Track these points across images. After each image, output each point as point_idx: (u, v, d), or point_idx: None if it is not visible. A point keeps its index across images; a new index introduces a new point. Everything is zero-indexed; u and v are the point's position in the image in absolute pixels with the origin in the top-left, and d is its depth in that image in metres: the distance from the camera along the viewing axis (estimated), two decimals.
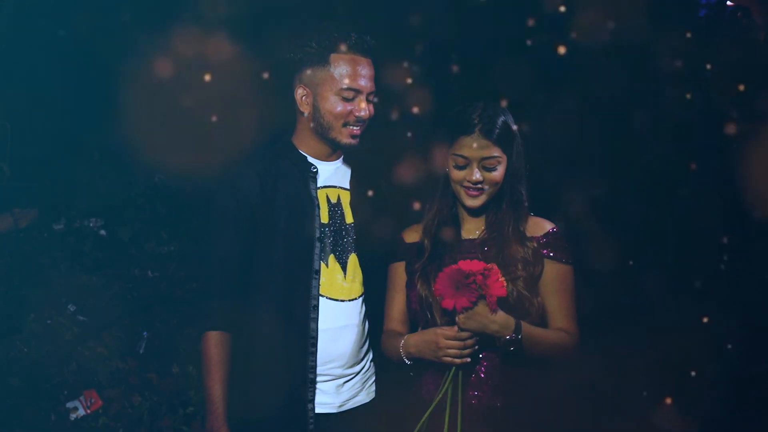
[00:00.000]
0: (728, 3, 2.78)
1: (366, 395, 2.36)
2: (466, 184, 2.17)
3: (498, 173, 2.16)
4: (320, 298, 2.25)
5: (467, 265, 1.98)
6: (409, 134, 2.72)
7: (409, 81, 2.94)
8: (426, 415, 2.10)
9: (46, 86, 3.44)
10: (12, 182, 3.52)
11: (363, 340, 2.34)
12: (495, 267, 1.99)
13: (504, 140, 2.15)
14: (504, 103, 2.28)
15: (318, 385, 2.25)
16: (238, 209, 2.22)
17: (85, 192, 3.70)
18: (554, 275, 2.17)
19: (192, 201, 3.78)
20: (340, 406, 2.28)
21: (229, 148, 3.09)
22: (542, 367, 2.17)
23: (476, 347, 2.07)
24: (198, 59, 3.11)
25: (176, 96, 3.16)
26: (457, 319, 2.05)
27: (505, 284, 2.00)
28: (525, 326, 2.08)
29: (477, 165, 2.15)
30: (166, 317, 3.69)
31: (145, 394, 3.48)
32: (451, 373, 2.09)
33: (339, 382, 2.28)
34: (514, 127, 2.19)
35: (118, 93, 3.43)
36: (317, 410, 2.25)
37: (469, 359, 2.07)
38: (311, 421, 2.23)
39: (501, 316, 2.05)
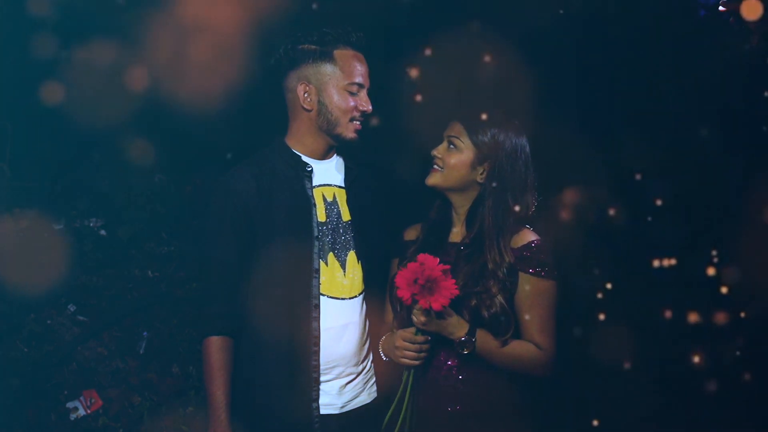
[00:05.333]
0: (720, 8, 2.79)
1: (368, 396, 2.36)
2: (432, 161, 2.26)
3: (453, 157, 2.21)
4: (321, 297, 2.25)
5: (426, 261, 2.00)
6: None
7: (411, 74, 2.94)
8: (387, 417, 2.16)
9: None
10: (12, 182, 3.52)
11: (365, 338, 2.34)
12: (439, 275, 1.99)
13: (473, 131, 2.19)
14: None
15: (321, 386, 2.25)
16: (235, 212, 2.22)
17: (85, 192, 3.69)
18: (529, 289, 2.16)
19: (192, 201, 3.78)
20: (342, 407, 2.28)
21: (230, 148, 3.12)
22: (513, 377, 2.18)
23: (428, 350, 2.13)
24: (198, 59, 3.11)
25: (176, 95, 3.16)
26: (414, 320, 2.11)
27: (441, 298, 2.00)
28: (481, 331, 2.12)
29: (445, 141, 2.25)
30: (166, 317, 3.69)
31: (145, 394, 3.47)
32: (409, 376, 2.14)
33: (342, 381, 2.28)
34: (502, 138, 2.19)
35: (118, 92, 3.44)
36: (321, 411, 2.25)
37: (420, 362, 2.13)
38: (316, 420, 2.23)
39: (454, 318, 2.11)
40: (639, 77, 3.14)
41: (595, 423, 2.78)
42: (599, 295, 3.01)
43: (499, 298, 2.13)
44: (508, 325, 2.14)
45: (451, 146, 2.23)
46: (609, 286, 3.00)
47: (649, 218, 2.98)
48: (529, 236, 2.19)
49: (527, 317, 2.16)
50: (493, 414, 2.16)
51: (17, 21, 3.27)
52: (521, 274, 2.16)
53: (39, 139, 3.56)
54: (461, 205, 2.27)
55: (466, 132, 2.21)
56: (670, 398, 3.04)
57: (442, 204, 2.33)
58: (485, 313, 2.12)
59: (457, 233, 2.29)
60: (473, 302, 2.13)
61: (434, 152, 2.26)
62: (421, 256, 2.01)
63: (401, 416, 2.14)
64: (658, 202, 2.98)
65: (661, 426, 3.04)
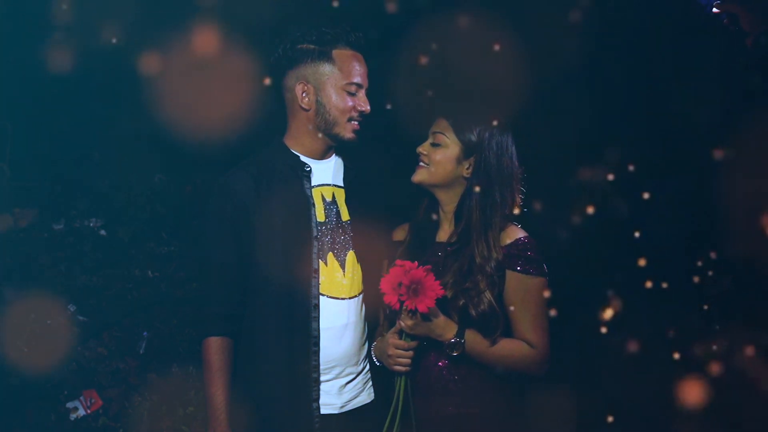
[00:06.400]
0: (714, 10, 2.79)
1: (367, 396, 2.35)
2: (419, 158, 2.26)
3: (439, 153, 2.21)
4: (320, 297, 2.25)
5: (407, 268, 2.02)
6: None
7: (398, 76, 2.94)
8: (387, 424, 2.15)
9: (46, 86, 3.44)
10: (12, 182, 3.53)
11: (364, 338, 2.34)
12: (422, 276, 2.01)
13: (458, 128, 2.21)
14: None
15: (321, 386, 2.24)
16: (234, 213, 2.22)
17: (85, 192, 3.70)
18: (518, 287, 2.15)
19: (192, 201, 3.78)
20: (342, 407, 2.27)
21: (229, 148, 3.11)
22: (506, 375, 2.17)
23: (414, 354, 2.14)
24: (196, 59, 3.11)
25: (176, 95, 3.16)
26: (402, 324, 2.11)
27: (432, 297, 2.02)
28: (470, 331, 2.11)
29: (430, 139, 2.25)
30: (166, 317, 3.69)
31: (145, 394, 3.48)
32: (401, 381, 2.15)
33: (342, 381, 2.28)
34: (487, 134, 2.21)
35: (118, 93, 3.44)
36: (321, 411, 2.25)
37: (410, 368, 2.14)
38: (317, 420, 2.22)
39: (442, 319, 2.10)
40: (632, 78, 3.13)
41: (610, 419, 2.78)
42: (595, 294, 3.01)
43: (488, 295, 2.12)
44: (497, 323, 2.13)
45: (437, 142, 2.24)
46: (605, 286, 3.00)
47: (644, 217, 2.97)
48: (517, 233, 2.19)
49: (518, 316, 2.15)
50: (488, 414, 2.15)
51: (17, 21, 3.27)
52: (509, 272, 2.15)
53: (39, 139, 3.56)
54: (448, 202, 2.27)
55: (451, 128, 2.22)
56: (667, 398, 3.04)
57: (428, 203, 2.33)
58: (474, 312, 2.11)
59: (444, 232, 2.29)
60: (461, 301, 2.12)
61: (420, 149, 2.26)
62: (400, 261, 2.03)
63: (396, 424, 2.14)
64: (646, 195, 2.97)
65: (658, 424, 3.04)
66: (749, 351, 2.82)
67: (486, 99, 2.34)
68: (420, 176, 2.25)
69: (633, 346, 3.00)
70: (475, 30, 2.97)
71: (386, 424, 2.15)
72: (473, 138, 2.20)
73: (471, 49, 2.93)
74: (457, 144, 2.21)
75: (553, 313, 2.21)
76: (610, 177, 3.02)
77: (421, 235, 2.31)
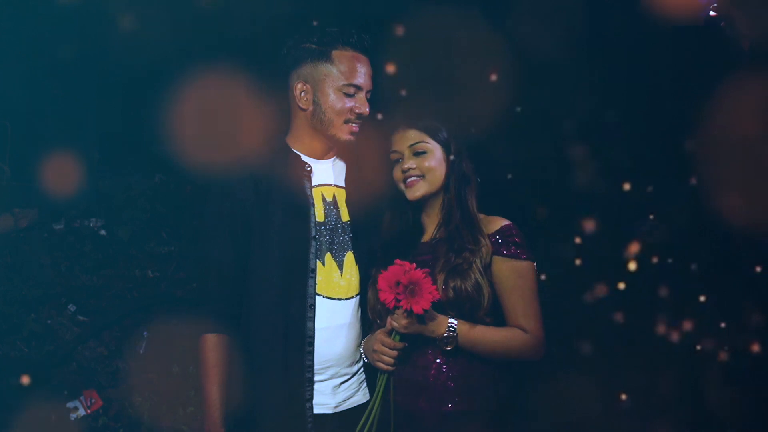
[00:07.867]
0: (711, 13, 2.79)
1: (362, 396, 2.34)
2: (404, 176, 2.25)
3: (428, 160, 2.23)
4: (317, 296, 2.24)
5: (401, 268, 2.02)
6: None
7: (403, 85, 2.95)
8: (362, 421, 2.15)
9: (46, 86, 3.44)
10: (12, 182, 3.53)
11: (360, 339, 2.33)
12: (421, 278, 2.01)
13: (432, 131, 2.24)
14: None
15: (315, 385, 2.24)
16: (232, 211, 2.22)
17: (85, 192, 3.70)
18: (509, 272, 2.16)
19: (192, 201, 3.78)
20: (336, 407, 2.27)
21: (230, 148, 3.11)
22: (504, 369, 2.17)
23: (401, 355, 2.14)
24: (196, 59, 3.11)
25: (176, 95, 3.16)
26: (395, 324, 2.10)
27: (430, 298, 2.02)
28: (462, 324, 2.11)
29: (408, 153, 2.24)
30: (166, 317, 3.70)
31: (145, 394, 3.48)
32: (384, 379, 2.15)
33: (336, 382, 2.28)
34: (449, 130, 2.26)
35: (118, 93, 3.45)
36: (314, 411, 2.25)
37: (395, 368, 2.14)
38: (310, 420, 2.22)
39: (435, 316, 2.10)
40: (631, 79, 3.14)
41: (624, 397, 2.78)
42: (590, 290, 3.01)
43: (476, 272, 2.13)
44: (483, 296, 2.13)
45: (419, 153, 2.25)
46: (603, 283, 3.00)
47: (642, 218, 2.98)
48: (501, 221, 2.21)
49: (509, 302, 2.15)
50: (486, 410, 2.14)
51: (17, 21, 3.27)
52: (498, 258, 2.16)
53: (39, 139, 3.57)
54: (435, 205, 2.29)
55: (425, 133, 2.25)
56: (664, 393, 3.04)
57: (408, 211, 2.33)
58: (467, 287, 2.12)
59: (430, 233, 2.30)
60: (454, 280, 2.13)
61: (405, 166, 2.25)
62: (399, 261, 2.02)
63: (369, 422, 2.13)
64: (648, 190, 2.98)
65: (655, 419, 3.04)
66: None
67: (438, 97, 2.36)
68: (420, 190, 2.25)
69: (632, 343, 3.01)
70: (449, 30, 2.98)
71: (362, 421, 2.15)
72: (445, 134, 2.26)
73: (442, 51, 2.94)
74: (438, 145, 2.25)
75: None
76: (607, 176, 3.03)
77: (404, 239, 2.30)
